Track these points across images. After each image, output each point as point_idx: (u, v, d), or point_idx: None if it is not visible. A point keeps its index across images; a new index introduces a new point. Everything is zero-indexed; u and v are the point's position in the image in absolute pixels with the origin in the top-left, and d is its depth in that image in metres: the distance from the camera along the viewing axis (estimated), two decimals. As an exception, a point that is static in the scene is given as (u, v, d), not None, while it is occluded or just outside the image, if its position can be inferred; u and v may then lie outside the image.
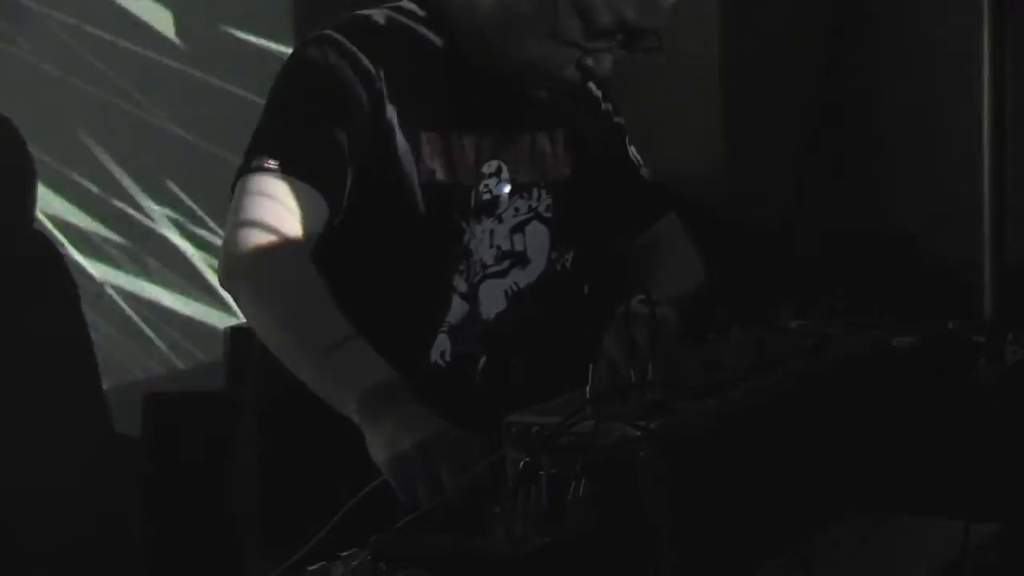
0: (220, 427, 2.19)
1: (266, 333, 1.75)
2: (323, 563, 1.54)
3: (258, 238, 1.75)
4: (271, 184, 1.79)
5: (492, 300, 1.97)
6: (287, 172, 1.79)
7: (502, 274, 1.98)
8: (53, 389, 3.11)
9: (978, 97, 2.82)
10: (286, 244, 1.75)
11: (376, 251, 1.89)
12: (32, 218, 3.13)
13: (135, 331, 3.27)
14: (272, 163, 1.80)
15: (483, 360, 1.96)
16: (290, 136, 1.83)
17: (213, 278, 3.23)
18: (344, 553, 1.56)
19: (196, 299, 3.33)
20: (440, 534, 1.39)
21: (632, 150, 2.14)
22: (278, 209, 1.78)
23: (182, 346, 3.33)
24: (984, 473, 1.78)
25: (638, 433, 1.41)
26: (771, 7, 3.61)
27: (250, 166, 1.81)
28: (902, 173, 3.63)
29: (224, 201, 1.85)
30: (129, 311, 3.25)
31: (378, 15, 1.94)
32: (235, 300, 1.81)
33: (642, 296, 1.70)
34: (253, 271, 1.75)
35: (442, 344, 1.93)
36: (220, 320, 3.25)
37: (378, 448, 1.58)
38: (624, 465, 1.41)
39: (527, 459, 1.42)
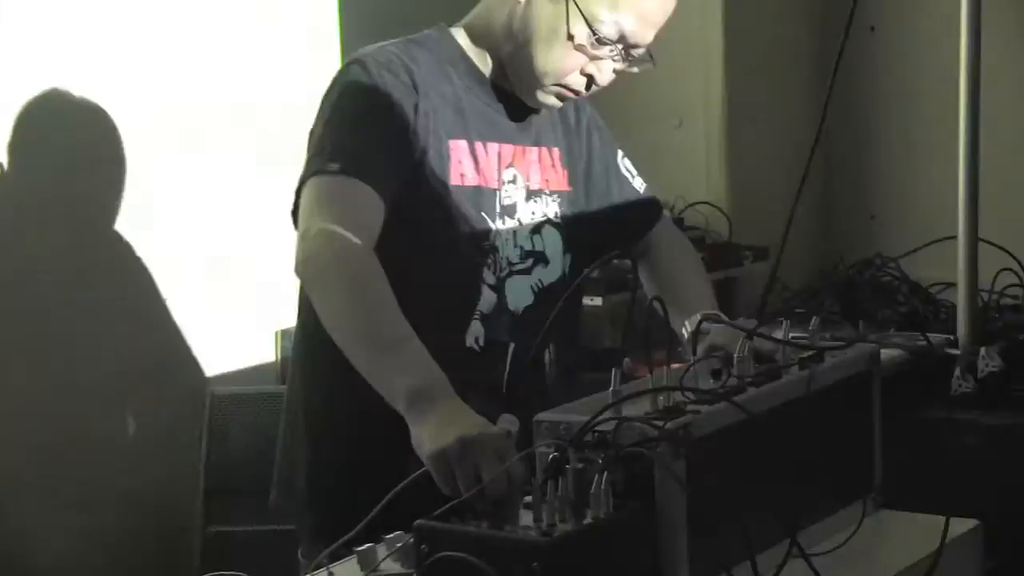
0: (274, 422, 2.18)
1: (333, 323, 1.74)
2: (370, 544, 1.54)
3: (331, 233, 1.77)
4: (336, 185, 1.82)
5: (519, 294, 1.98)
6: (349, 174, 1.82)
7: (527, 271, 2.00)
8: (135, 384, 3.10)
9: (954, 135, 2.81)
10: (356, 239, 1.77)
11: (414, 243, 1.91)
12: (113, 221, 3.12)
13: (196, 334, 3.26)
14: (334, 166, 1.82)
15: (512, 347, 1.96)
16: (347, 143, 1.85)
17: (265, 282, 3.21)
18: (389, 536, 1.56)
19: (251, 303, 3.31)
20: (476, 520, 1.39)
21: (625, 163, 2.15)
22: (346, 207, 1.80)
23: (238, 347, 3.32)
24: (963, 472, 1.77)
25: (656, 432, 1.41)
26: (773, 52, 3.62)
27: (315, 170, 1.83)
28: (887, 201, 3.63)
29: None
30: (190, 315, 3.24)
31: (413, 39, 1.98)
32: (308, 290, 1.82)
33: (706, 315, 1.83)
34: (328, 264, 1.76)
35: (476, 330, 1.94)
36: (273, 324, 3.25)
37: (423, 441, 1.57)
38: (643, 460, 1.41)
39: (556, 454, 1.42)
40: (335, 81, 1.95)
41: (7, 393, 2.92)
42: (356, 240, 1.76)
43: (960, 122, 2.71)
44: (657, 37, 1.96)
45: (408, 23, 2.06)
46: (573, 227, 2.06)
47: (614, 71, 1.96)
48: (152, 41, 3.18)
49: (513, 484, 1.45)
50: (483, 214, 1.95)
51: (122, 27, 3.12)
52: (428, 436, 1.57)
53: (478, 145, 1.96)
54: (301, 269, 1.79)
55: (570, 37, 1.90)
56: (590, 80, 1.95)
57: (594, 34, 1.90)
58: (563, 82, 1.94)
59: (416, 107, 1.90)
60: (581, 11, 1.89)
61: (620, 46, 1.92)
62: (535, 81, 1.95)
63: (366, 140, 1.85)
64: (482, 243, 1.95)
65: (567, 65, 1.93)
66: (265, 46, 3.41)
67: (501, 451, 1.50)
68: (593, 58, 1.93)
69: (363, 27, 3.40)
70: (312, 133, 1.92)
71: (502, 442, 1.52)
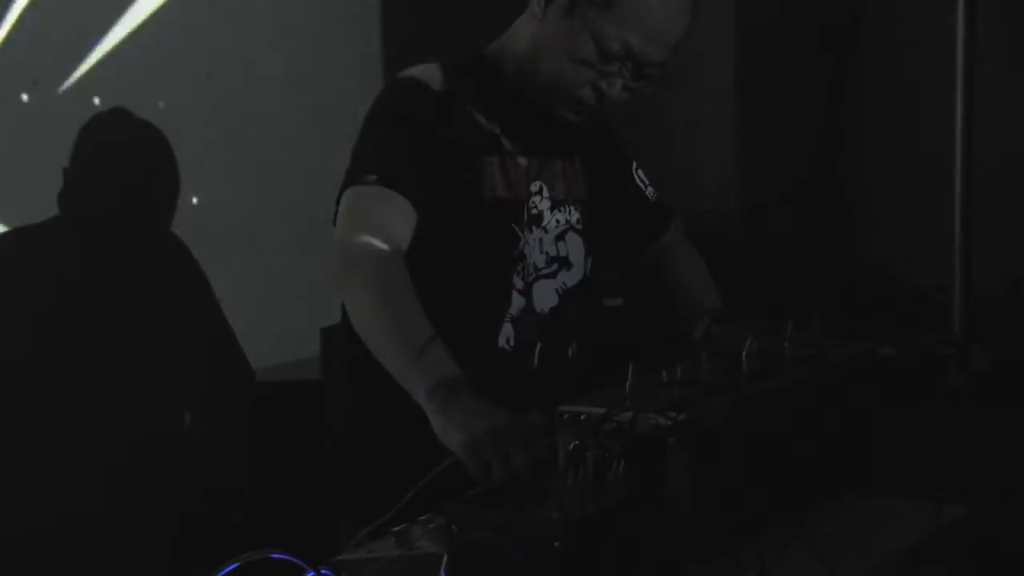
0: (316, 411, 2.21)
1: (363, 324, 1.78)
2: (405, 525, 1.57)
3: (364, 242, 1.79)
4: (372, 195, 1.84)
5: (545, 297, 2.00)
6: (384, 184, 1.84)
7: (552, 275, 2.02)
8: (188, 374, 3.12)
9: (951, 144, 2.82)
10: (387, 248, 1.80)
11: (451, 253, 1.93)
12: (169, 222, 3.14)
13: (241, 330, 3.29)
14: (371, 177, 1.84)
15: (539, 347, 1.99)
16: (385, 157, 1.87)
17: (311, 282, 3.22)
18: (422, 517, 1.59)
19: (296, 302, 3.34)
20: (502, 503, 1.41)
21: (639, 174, 2.16)
22: (379, 217, 1.83)
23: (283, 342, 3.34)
24: (954, 462, 1.79)
25: (668, 423, 1.43)
26: (780, 73, 3.62)
27: (353, 180, 1.86)
28: (886, 209, 3.63)
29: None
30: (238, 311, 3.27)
31: (452, 63, 1.99)
32: (342, 293, 1.84)
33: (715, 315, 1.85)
34: (361, 270, 1.79)
35: (507, 332, 1.97)
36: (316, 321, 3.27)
37: (450, 431, 1.60)
38: (656, 449, 1.43)
39: (577, 442, 1.44)
40: (377, 98, 1.98)
41: (63, 383, 2.96)
42: (386, 248, 1.79)
43: (956, 128, 2.72)
44: (674, 57, 1.94)
45: (447, 48, 2.07)
46: (593, 233, 2.08)
47: (628, 88, 1.94)
48: (199, 67, 3.22)
49: (538, 469, 1.47)
50: (513, 225, 1.97)
51: (172, 48, 3.16)
52: (455, 426, 1.59)
53: (509, 160, 1.97)
54: (337, 274, 1.82)
55: (577, 51, 1.89)
56: (600, 95, 1.93)
57: (600, 49, 1.89)
58: (575, 95, 1.93)
59: (451, 124, 1.92)
60: (589, 27, 1.87)
61: (629, 63, 1.91)
62: (549, 95, 1.95)
63: (401, 153, 1.87)
64: (511, 252, 1.97)
65: (576, 79, 1.91)
66: (311, 71, 3.45)
67: (528, 438, 1.53)
68: (603, 73, 1.91)
69: (404, 52, 3.41)
70: (355, 146, 1.95)
71: (528, 430, 1.55)
